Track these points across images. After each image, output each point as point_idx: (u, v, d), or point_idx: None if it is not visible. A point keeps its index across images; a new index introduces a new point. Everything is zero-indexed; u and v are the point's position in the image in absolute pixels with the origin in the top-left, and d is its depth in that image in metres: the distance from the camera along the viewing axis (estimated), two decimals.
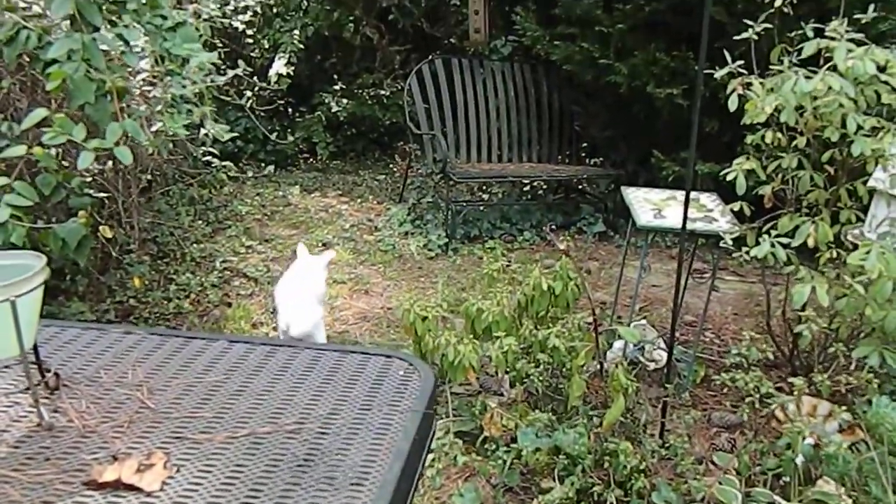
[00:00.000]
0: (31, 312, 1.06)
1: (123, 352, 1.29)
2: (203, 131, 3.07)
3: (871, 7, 2.42)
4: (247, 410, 1.12)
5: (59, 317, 3.07)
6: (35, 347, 1.12)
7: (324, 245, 4.53)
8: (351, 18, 6.76)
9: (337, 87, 6.91)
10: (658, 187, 3.31)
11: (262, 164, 6.41)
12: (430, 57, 5.40)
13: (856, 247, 2.18)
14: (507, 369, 2.54)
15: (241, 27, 5.58)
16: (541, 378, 2.50)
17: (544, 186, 5.61)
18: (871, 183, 2.39)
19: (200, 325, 3.52)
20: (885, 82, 2.23)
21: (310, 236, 4.72)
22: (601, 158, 5.69)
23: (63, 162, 2.72)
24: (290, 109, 6.83)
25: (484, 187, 5.87)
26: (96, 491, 0.92)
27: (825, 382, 2.32)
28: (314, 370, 1.25)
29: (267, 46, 6.32)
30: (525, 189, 5.69)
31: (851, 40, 2.26)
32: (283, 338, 2.81)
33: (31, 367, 1.10)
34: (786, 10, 2.42)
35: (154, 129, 2.63)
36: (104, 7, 1.87)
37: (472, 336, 2.59)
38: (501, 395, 2.74)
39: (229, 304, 3.75)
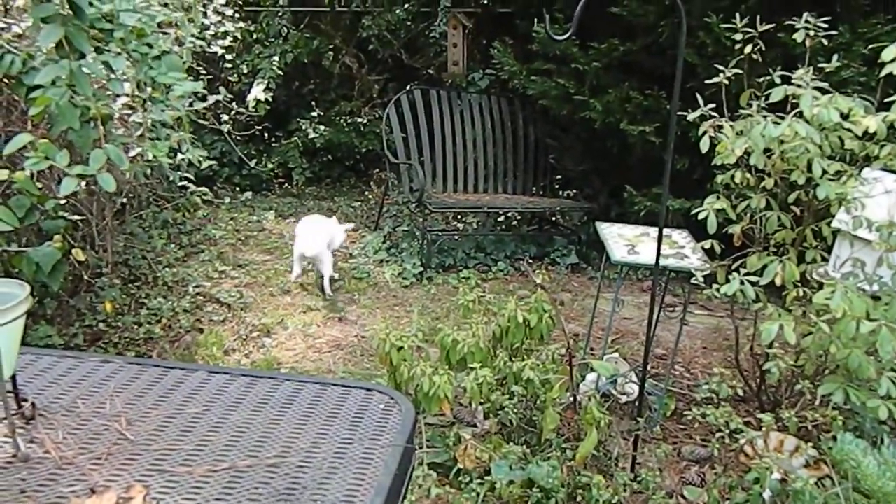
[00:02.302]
0: (13, 342, 1.05)
1: (101, 381, 1.28)
2: (180, 156, 3.06)
3: (835, 56, 2.53)
4: (227, 443, 1.12)
5: (27, 341, 3.01)
6: (13, 376, 1.11)
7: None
8: (331, 47, 6.83)
9: (314, 114, 6.94)
10: (630, 221, 3.39)
11: (238, 189, 6.40)
12: (408, 87, 5.47)
13: (821, 286, 2.25)
14: (482, 401, 2.55)
15: (221, 52, 5.60)
16: (515, 410, 2.52)
17: (518, 217, 5.68)
18: (835, 224, 2.48)
19: (171, 351, 3.47)
20: (849, 129, 2.33)
21: (284, 262, 4.71)
22: (575, 191, 5.79)
23: (37, 184, 2.69)
24: (266, 135, 6.84)
25: (459, 217, 5.92)
26: None
27: (792, 419, 2.38)
28: (294, 403, 1.25)
29: (246, 72, 6.34)
30: (500, 220, 5.76)
31: (817, 88, 2.35)
32: (297, 260, 4.12)
33: (7, 396, 1.08)
34: (754, 56, 2.52)
35: (132, 154, 2.62)
36: (91, 34, 1.88)
37: (446, 367, 2.60)
38: (475, 426, 2.75)
39: (201, 331, 3.71)
